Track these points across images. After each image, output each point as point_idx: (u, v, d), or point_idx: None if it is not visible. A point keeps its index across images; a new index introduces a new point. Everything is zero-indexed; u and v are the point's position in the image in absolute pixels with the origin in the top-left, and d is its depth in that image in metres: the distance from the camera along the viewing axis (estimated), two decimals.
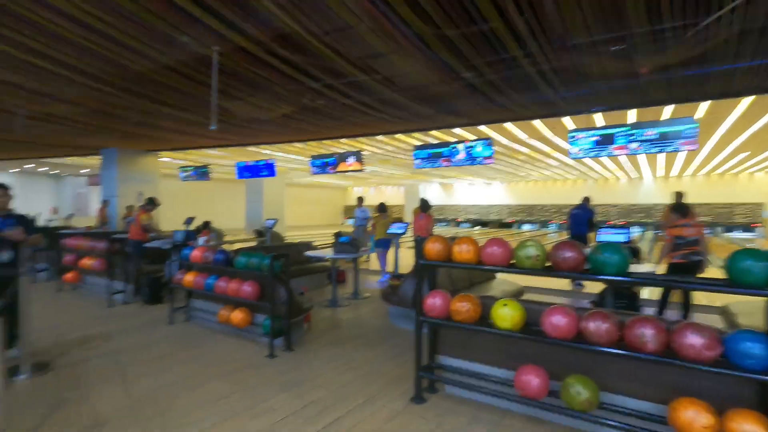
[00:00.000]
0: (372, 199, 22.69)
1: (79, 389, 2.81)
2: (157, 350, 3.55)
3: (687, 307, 4.10)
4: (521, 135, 8.07)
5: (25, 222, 3.14)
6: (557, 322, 2.06)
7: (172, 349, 3.59)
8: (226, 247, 5.23)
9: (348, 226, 16.59)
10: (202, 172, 10.84)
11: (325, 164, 8.70)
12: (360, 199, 9.33)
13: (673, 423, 1.78)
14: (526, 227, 20.78)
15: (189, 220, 6.74)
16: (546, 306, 2.22)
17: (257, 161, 9.73)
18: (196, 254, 4.03)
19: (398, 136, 7.95)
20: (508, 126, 7.34)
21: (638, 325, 1.86)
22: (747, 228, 16.24)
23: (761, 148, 9.88)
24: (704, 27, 2.63)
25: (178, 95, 4.43)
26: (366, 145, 9.42)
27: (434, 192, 23.57)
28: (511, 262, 2.29)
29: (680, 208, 4.06)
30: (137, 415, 2.44)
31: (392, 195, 24.52)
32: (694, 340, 1.71)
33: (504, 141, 8.73)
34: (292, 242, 8.26)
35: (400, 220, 9.30)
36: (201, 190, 18.05)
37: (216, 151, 10.13)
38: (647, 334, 1.81)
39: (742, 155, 10.95)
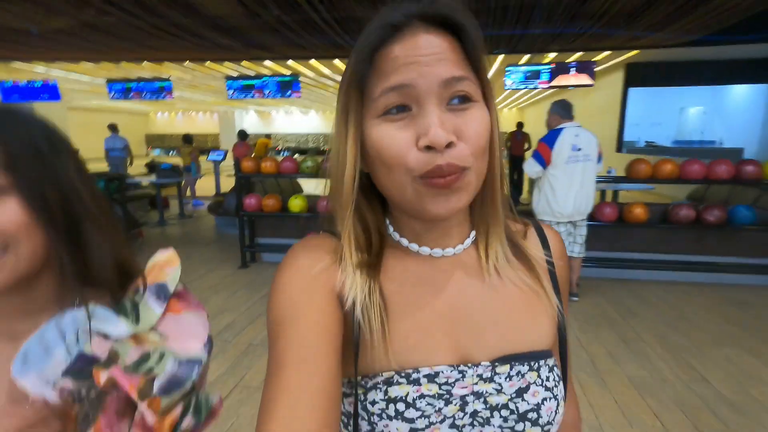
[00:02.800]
0: (181, 126, 21.06)
1: None
2: None
3: None
4: (325, 71, 9.27)
5: None
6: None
7: None
8: None
9: (156, 157, 15.48)
10: None
11: (126, 89, 8.17)
12: (112, 127, 8.89)
13: None
14: None
15: None
16: (319, 197, 3.69)
17: (31, 81, 8.35)
18: None
19: (208, 63, 8.10)
20: (313, 62, 8.40)
21: None
22: None
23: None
24: None
25: None
26: (173, 71, 9.15)
27: (251, 120, 23.27)
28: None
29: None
30: None
31: (204, 122, 23.13)
32: None
33: (311, 75, 9.81)
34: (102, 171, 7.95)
35: (215, 149, 9.62)
36: None
37: None
38: None
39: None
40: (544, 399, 0.44)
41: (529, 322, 0.47)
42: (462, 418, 0.43)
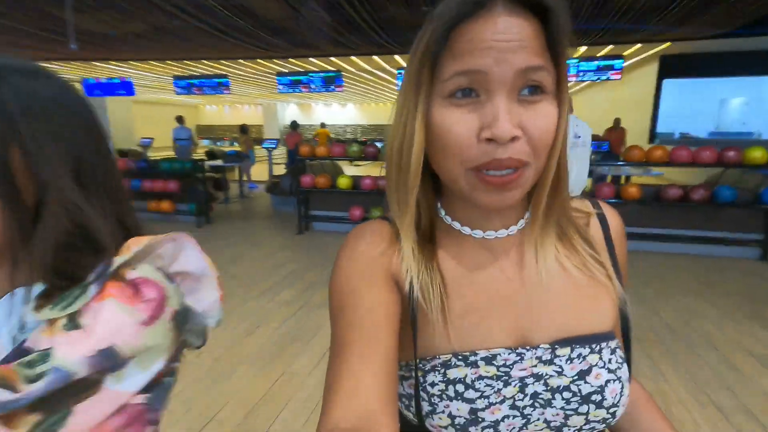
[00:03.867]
0: (229, 118, 22.57)
1: None
2: None
3: None
4: (366, 66, 9.89)
5: None
6: (365, 182, 4.32)
7: None
8: None
9: (212, 146, 16.84)
10: None
11: (189, 85, 9.15)
12: (179, 119, 9.95)
13: None
14: (379, 144, 23.65)
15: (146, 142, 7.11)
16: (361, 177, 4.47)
17: (110, 78, 9.44)
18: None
19: (259, 61, 8.97)
20: (354, 59, 9.10)
21: None
22: None
23: None
24: None
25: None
26: (228, 68, 10.13)
27: (293, 111, 24.46)
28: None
29: None
30: None
31: (249, 114, 24.54)
32: None
33: (352, 70, 10.55)
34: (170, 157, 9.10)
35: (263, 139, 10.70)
36: None
37: (51, 65, 9.49)
38: None
39: None
40: (608, 381, 0.43)
41: (590, 303, 0.46)
42: (522, 400, 0.43)
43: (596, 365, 0.43)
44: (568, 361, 0.43)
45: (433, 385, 0.43)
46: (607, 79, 7.35)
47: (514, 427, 0.43)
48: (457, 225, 0.47)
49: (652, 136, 10.67)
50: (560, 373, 0.43)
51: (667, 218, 4.29)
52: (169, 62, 9.12)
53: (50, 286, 0.40)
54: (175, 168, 5.34)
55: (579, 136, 3.60)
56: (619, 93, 12.62)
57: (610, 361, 0.44)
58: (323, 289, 3.34)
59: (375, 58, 8.82)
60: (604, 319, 0.46)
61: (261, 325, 2.81)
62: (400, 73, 7.17)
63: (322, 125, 13.16)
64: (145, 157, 7.08)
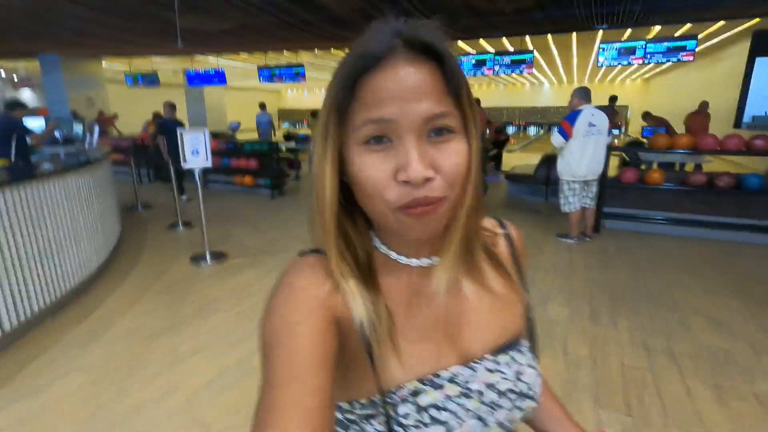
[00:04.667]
0: (308, 102, 24.22)
1: None
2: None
3: None
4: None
5: None
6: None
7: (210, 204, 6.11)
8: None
9: (289, 129, 18.37)
10: (151, 80, 11.75)
11: (271, 74, 10.28)
12: (262, 106, 11.12)
13: None
14: None
15: (235, 126, 8.51)
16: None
17: (207, 69, 10.83)
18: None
19: (332, 50, 9.79)
20: None
21: None
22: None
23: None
24: None
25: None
26: (306, 58, 11.14)
27: None
28: None
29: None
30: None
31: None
32: None
33: None
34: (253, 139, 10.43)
35: None
36: (135, 96, 18.20)
37: (158, 57, 10.80)
38: None
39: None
40: (535, 376, 0.50)
41: (508, 313, 0.52)
42: (480, 409, 0.46)
43: (525, 365, 0.50)
44: (507, 366, 0.49)
45: (406, 416, 0.44)
46: (678, 60, 7.05)
47: None
48: (393, 255, 0.48)
49: (739, 119, 9.87)
50: (505, 378, 0.48)
51: (691, 203, 4.40)
52: (255, 53, 10.28)
53: None
54: (255, 148, 6.38)
55: (594, 125, 3.91)
56: (710, 73, 11.65)
57: (530, 360, 0.51)
58: None
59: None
60: (519, 325, 0.53)
61: None
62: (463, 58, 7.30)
63: None
64: (233, 139, 8.31)
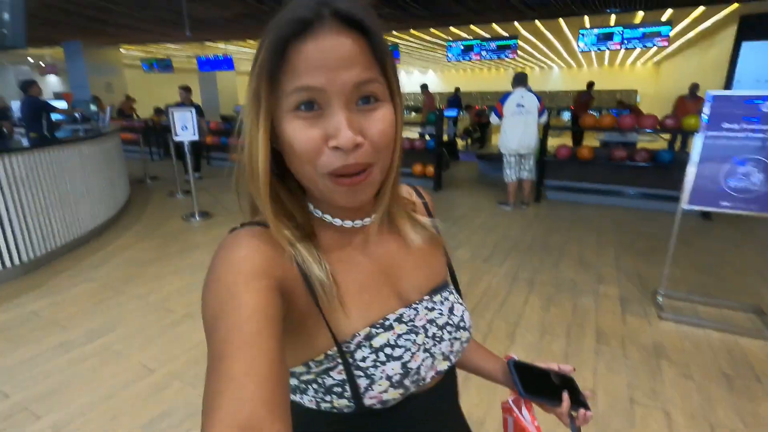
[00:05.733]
0: None
1: None
2: None
3: None
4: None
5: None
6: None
7: (208, 177, 6.91)
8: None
9: None
10: (165, 65, 12.58)
11: None
12: None
13: None
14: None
15: (239, 108, 9.23)
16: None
17: (216, 56, 11.52)
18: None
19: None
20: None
21: None
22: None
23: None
24: None
25: None
26: None
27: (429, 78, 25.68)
28: None
29: None
30: None
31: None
32: None
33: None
34: None
35: None
36: (152, 80, 19.09)
37: (171, 44, 11.45)
38: None
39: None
40: (463, 311, 0.59)
41: (435, 262, 0.61)
42: (427, 343, 0.53)
43: (454, 302, 0.59)
44: (441, 304, 0.57)
45: (364, 359, 0.47)
46: (653, 45, 7.44)
47: (428, 367, 0.53)
48: (328, 218, 0.51)
49: None
50: (441, 314, 0.56)
51: (616, 176, 5.01)
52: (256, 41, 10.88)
53: None
54: None
55: (522, 105, 4.55)
56: (704, 58, 11.83)
57: (457, 298, 0.61)
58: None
59: (494, 25, 9.63)
60: (444, 270, 0.63)
61: None
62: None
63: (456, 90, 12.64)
64: (234, 119, 8.89)
